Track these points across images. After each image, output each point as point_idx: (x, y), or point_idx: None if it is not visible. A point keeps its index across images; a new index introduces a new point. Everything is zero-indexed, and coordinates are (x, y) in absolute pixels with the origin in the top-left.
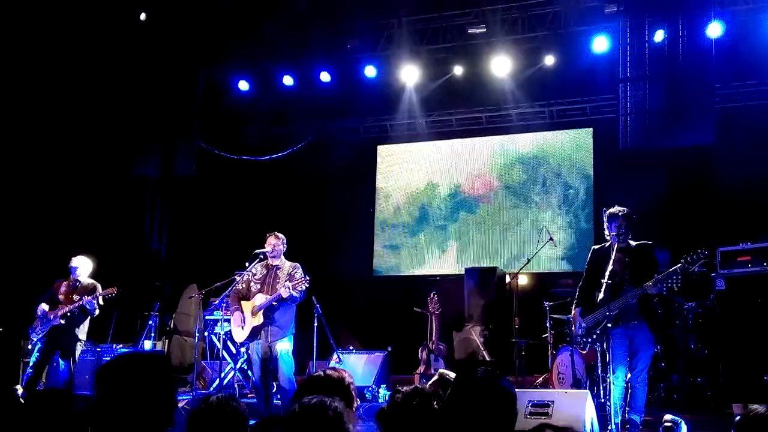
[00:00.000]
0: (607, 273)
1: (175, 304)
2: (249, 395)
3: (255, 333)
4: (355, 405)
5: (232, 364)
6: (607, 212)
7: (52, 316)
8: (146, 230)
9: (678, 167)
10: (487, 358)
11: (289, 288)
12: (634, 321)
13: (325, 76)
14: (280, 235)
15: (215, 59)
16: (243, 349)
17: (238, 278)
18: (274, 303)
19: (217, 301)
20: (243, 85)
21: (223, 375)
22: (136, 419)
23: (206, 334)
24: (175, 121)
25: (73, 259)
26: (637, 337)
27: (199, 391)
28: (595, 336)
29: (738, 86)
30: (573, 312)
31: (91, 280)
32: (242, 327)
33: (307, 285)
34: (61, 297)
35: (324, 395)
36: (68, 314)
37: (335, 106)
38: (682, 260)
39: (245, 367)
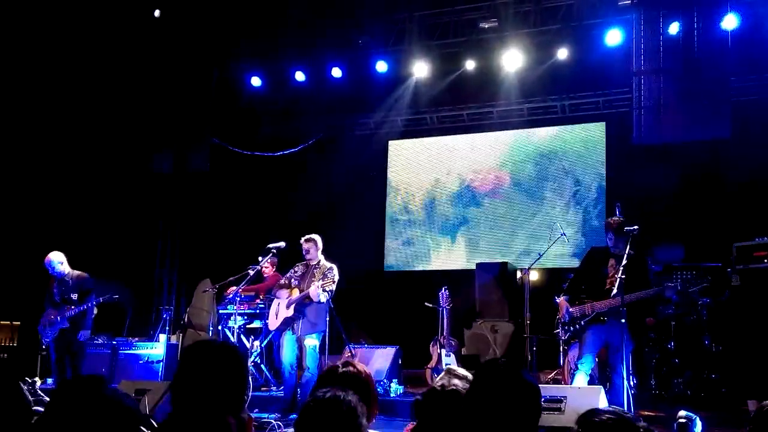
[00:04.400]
0: (606, 274)
1: (190, 299)
2: (262, 388)
3: (286, 324)
4: (377, 398)
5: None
6: (605, 222)
7: (59, 318)
8: (161, 226)
9: (692, 161)
10: (498, 354)
11: (318, 287)
12: (614, 321)
13: (336, 72)
14: (314, 236)
15: (228, 56)
16: (257, 343)
17: (251, 272)
18: (305, 300)
19: (231, 296)
20: (255, 81)
21: None
22: (214, 399)
23: (219, 328)
24: (189, 117)
25: (49, 256)
26: (615, 335)
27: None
28: (578, 326)
29: (753, 79)
30: (561, 299)
31: (78, 272)
32: (276, 316)
33: (334, 286)
34: (57, 297)
35: (339, 389)
36: (73, 316)
37: (347, 102)
38: (678, 282)
39: (258, 361)
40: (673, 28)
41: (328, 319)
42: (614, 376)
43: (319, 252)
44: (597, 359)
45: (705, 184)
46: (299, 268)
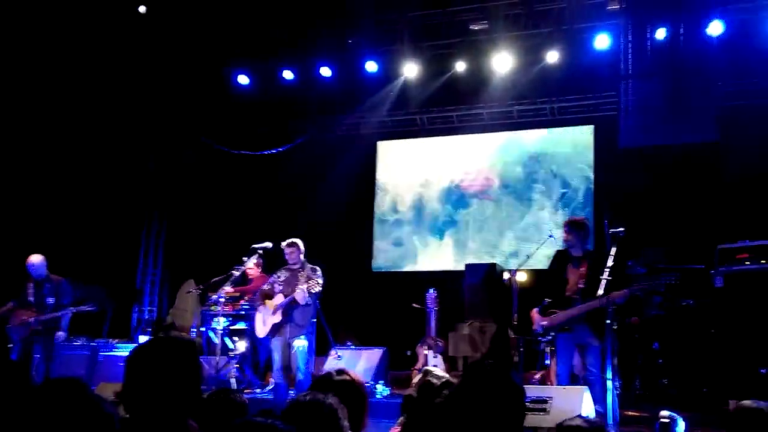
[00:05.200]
0: (567, 280)
1: (173, 300)
2: (245, 390)
3: (275, 330)
4: (368, 406)
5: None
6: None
7: (32, 320)
8: (146, 224)
9: (678, 165)
10: (485, 354)
11: (303, 290)
12: (578, 325)
13: (326, 71)
14: (296, 240)
15: (216, 53)
16: (241, 345)
17: (235, 273)
18: (291, 304)
19: (215, 296)
20: (243, 80)
21: (220, 371)
22: (164, 402)
23: (203, 329)
24: (175, 115)
25: (31, 258)
26: (584, 338)
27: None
28: (550, 336)
29: (739, 84)
30: (533, 311)
31: (57, 277)
32: (264, 323)
33: (320, 288)
34: (32, 299)
35: (319, 392)
36: (46, 320)
37: (336, 102)
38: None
39: (242, 363)
40: (660, 34)
41: (315, 320)
42: (588, 375)
43: (302, 255)
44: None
45: (690, 187)
46: (282, 273)
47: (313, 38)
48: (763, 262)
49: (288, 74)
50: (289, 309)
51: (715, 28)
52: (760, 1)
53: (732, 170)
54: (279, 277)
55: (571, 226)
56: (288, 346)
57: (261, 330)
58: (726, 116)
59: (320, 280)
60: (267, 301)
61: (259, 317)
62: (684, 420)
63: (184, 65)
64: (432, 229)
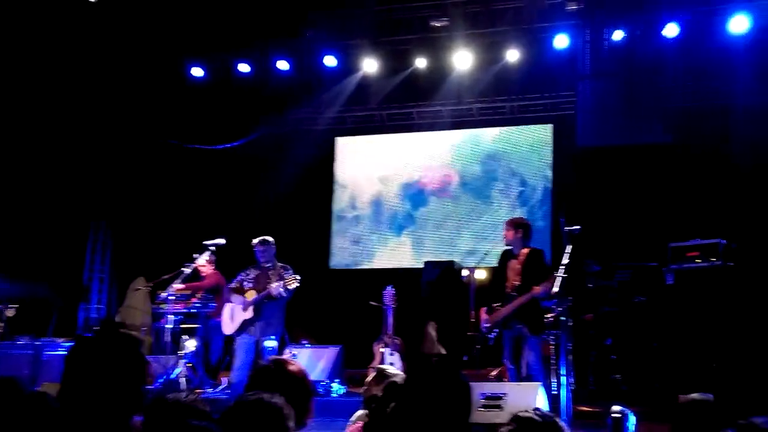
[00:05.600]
0: (507, 278)
1: (122, 297)
2: (196, 390)
3: (244, 327)
4: (313, 396)
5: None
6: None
7: None
8: (93, 219)
9: (634, 164)
10: (443, 352)
11: (279, 286)
12: (516, 322)
13: (283, 65)
14: (268, 238)
15: (168, 44)
16: (190, 343)
17: (186, 270)
18: (264, 300)
19: (164, 294)
20: (197, 72)
21: (170, 370)
22: (104, 401)
23: (153, 327)
24: (126, 108)
25: None
26: (522, 334)
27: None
28: (494, 334)
29: (693, 86)
30: (481, 310)
31: None
32: (232, 319)
33: (298, 284)
34: None
35: (265, 391)
36: None
37: (293, 96)
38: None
39: (193, 362)
40: (617, 35)
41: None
42: (529, 370)
43: (274, 254)
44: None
45: (646, 186)
46: (251, 271)
47: (269, 31)
48: (713, 259)
49: (244, 67)
50: (261, 306)
51: (671, 31)
52: (714, 5)
53: (686, 169)
54: (248, 274)
55: (509, 226)
56: (256, 345)
57: (229, 326)
58: (680, 117)
59: (298, 277)
60: (247, 293)
61: (227, 313)
62: (635, 415)
63: (136, 57)
64: (390, 226)
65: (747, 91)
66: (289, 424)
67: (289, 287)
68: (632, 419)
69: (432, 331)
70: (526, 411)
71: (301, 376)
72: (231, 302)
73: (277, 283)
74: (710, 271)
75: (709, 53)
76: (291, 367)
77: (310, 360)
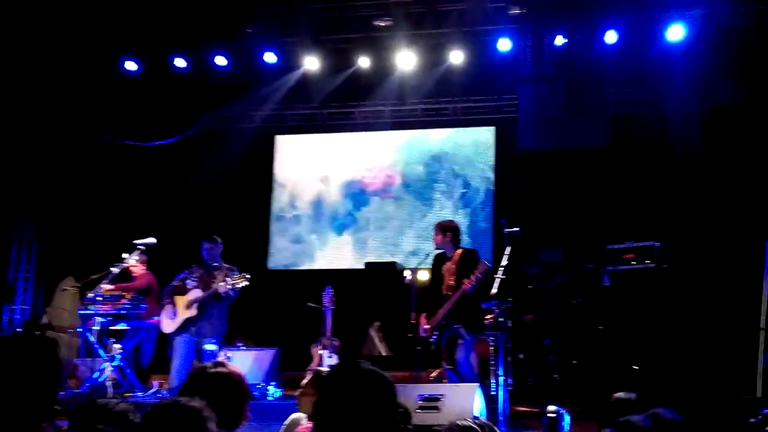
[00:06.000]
0: (444, 280)
1: (50, 298)
2: (126, 394)
3: (185, 325)
4: (248, 399)
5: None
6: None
7: None
8: (18, 215)
9: (574, 168)
10: (383, 354)
11: (226, 285)
12: (453, 323)
13: (221, 60)
14: (215, 238)
15: (100, 36)
16: (117, 346)
17: (114, 269)
18: (210, 299)
19: (91, 295)
20: (131, 66)
21: (98, 373)
22: (15, 405)
23: (80, 329)
24: (52, 101)
25: None
26: (459, 333)
27: (71, 390)
28: (435, 336)
29: (632, 92)
30: (421, 315)
31: None
32: (173, 319)
33: (246, 283)
34: None
35: (200, 394)
36: None
37: (232, 92)
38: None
39: (122, 365)
40: (559, 40)
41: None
42: (459, 369)
43: (220, 253)
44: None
45: (585, 189)
46: (196, 270)
47: (207, 26)
48: (647, 261)
49: (180, 62)
50: (205, 306)
51: (610, 38)
52: (652, 13)
53: (624, 174)
54: (192, 273)
55: (437, 230)
56: (198, 346)
57: (169, 325)
58: (618, 122)
59: (247, 275)
60: (177, 297)
61: (166, 311)
62: (571, 414)
63: (67, 49)
64: (331, 226)
65: (681, 98)
66: (209, 427)
67: (237, 286)
68: (567, 419)
69: (374, 332)
70: (465, 419)
71: (237, 378)
72: (172, 300)
73: (224, 282)
74: (645, 273)
75: (647, 61)
76: (227, 370)
77: (245, 362)
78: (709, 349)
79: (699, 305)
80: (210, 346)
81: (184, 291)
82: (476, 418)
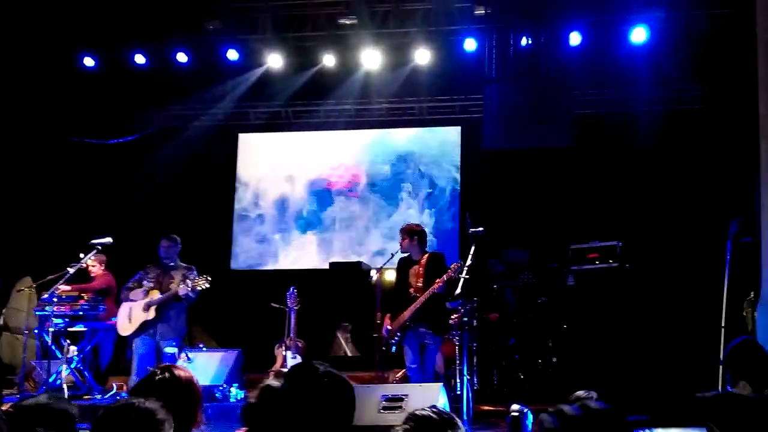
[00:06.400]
0: (410, 282)
1: (6, 298)
2: (84, 396)
3: (143, 327)
4: (201, 402)
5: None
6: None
7: None
8: None
9: (538, 168)
10: (349, 354)
11: (187, 287)
12: (420, 324)
13: (182, 57)
14: (174, 236)
15: (56, 31)
16: (73, 348)
17: (71, 270)
18: (168, 301)
19: (47, 295)
20: (88, 62)
21: (54, 375)
22: None
23: (36, 330)
24: (9, 98)
25: None
26: (424, 338)
27: (27, 393)
28: (397, 338)
29: (595, 94)
30: (386, 316)
31: None
32: (129, 320)
33: (207, 285)
34: None
35: (139, 396)
36: None
37: (193, 90)
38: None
39: (80, 367)
40: (523, 41)
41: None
42: (425, 373)
43: (177, 253)
44: (442, 356)
45: (550, 189)
46: (152, 270)
47: (167, 20)
48: (610, 261)
49: (139, 58)
50: (164, 308)
51: (575, 39)
52: (615, 15)
53: (587, 174)
54: (148, 273)
55: (404, 234)
56: (157, 348)
57: (126, 327)
58: (582, 123)
59: (208, 278)
60: (139, 291)
61: (123, 313)
62: (533, 413)
63: (22, 44)
64: (296, 226)
65: (644, 99)
66: (163, 428)
67: (197, 288)
68: (531, 418)
69: (340, 333)
70: (424, 409)
71: (187, 382)
72: (129, 301)
73: (184, 284)
74: (608, 272)
75: (609, 62)
76: (179, 373)
77: (207, 364)
78: (672, 347)
79: (662, 304)
80: (170, 349)
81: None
82: (433, 407)
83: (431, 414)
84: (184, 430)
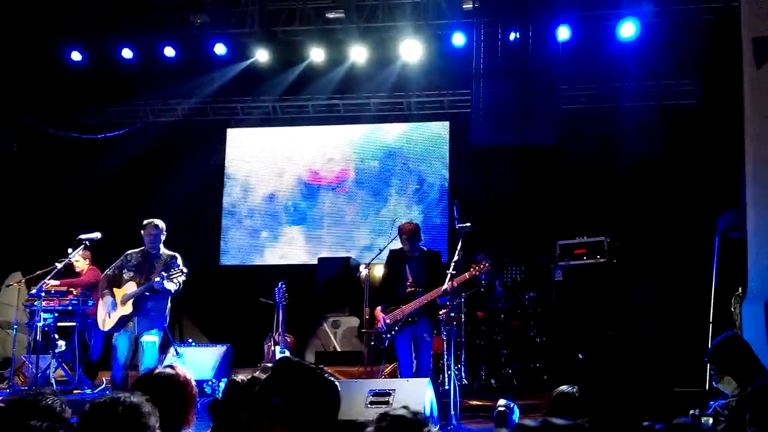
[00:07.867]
0: (406, 278)
1: None
2: (74, 391)
3: (122, 322)
4: (194, 403)
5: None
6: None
7: None
8: None
9: (527, 164)
10: (338, 349)
11: (164, 278)
12: (422, 319)
13: (169, 51)
14: (159, 223)
15: (43, 25)
16: (62, 342)
17: (59, 265)
18: (146, 293)
19: (35, 290)
20: (75, 56)
21: (42, 370)
22: None
23: (27, 326)
24: None
25: None
26: (420, 332)
27: (17, 388)
28: (393, 332)
29: (583, 89)
30: (377, 310)
31: None
32: (109, 315)
33: (185, 277)
34: None
35: (125, 392)
36: None
37: (181, 84)
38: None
39: (70, 362)
40: (512, 35)
41: (168, 314)
42: (418, 371)
43: (161, 241)
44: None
45: (537, 185)
46: (134, 257)
47: (154, 15)
48: (598, 257)
49: (127, 53)
50: (141, 300)
51: (563, 34)
52: (603, 11)
53: (575, 170)
54: (129, 260)
55: (409, 233)
56: (136, 342)
57: (105, 322)
58: (569, 119)
59: (184, 269)
60: (115, 289)
61: (101, 308)
62: (521, 408)
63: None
64: (285, 221)
65: (633, 95)
66: (148, 422)
67: (174, 280)
68: (517, 412)
69: (329, 327)
70: (397, 409)
71: (185, 382)
72: (109, 296)
73: (160, 276)
74: (595, 268)
75: (597, 58)
76: (179, 372)
77: (196, 359)
78: (660, 342)
79: (649, 299)
80: (149, 338)
81: (119, 280)
82: (406, 407)
83: (405, 414)
84: (174, 428)
